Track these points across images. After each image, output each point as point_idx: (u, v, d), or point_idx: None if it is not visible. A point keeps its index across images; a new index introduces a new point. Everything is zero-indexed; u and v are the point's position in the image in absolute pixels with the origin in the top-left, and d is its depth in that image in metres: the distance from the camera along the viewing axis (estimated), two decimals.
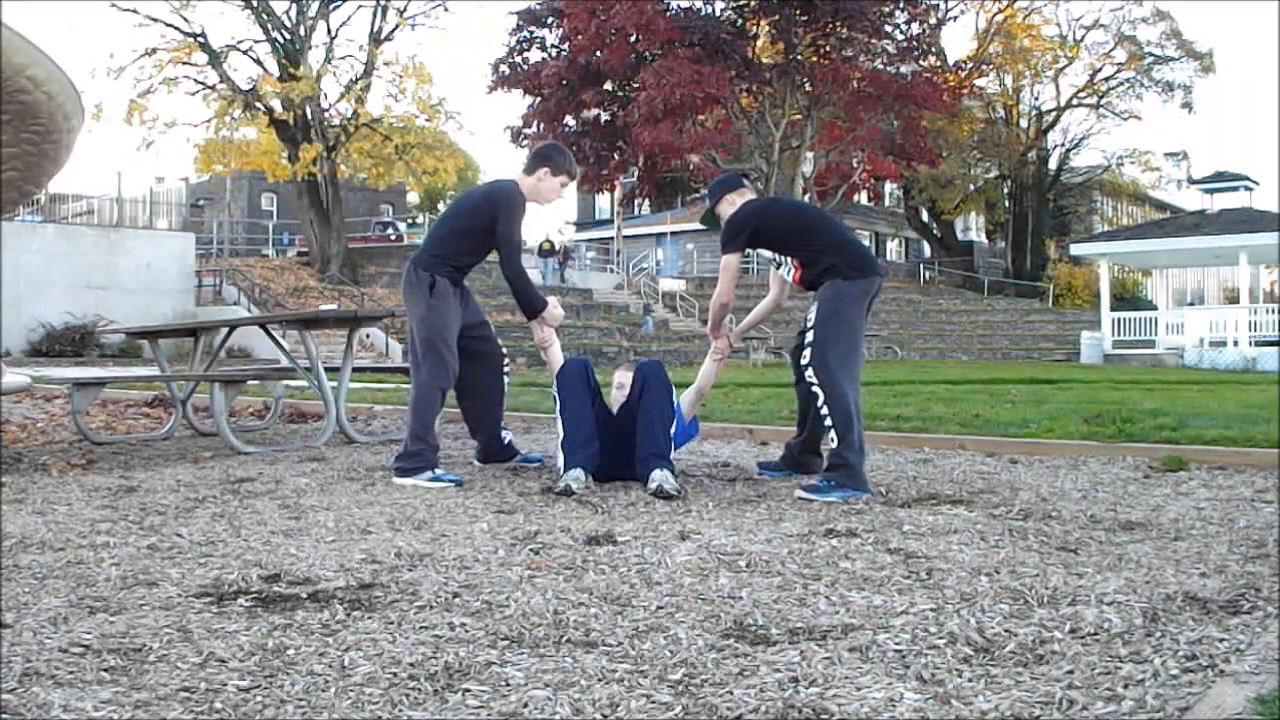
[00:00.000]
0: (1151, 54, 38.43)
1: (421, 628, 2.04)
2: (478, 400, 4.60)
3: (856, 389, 3.93)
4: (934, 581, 2.38)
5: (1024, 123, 41.26)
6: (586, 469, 3.85)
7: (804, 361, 3.90)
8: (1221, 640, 1.90)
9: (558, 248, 35.51)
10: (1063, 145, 42.03)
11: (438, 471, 4.09)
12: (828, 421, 3.77)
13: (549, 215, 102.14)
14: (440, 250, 4.36)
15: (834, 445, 3.74)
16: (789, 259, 4.18)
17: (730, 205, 4.26)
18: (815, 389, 3.82)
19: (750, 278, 39.49)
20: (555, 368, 4.24)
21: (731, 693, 1.66)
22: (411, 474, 4.04)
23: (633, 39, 18.44)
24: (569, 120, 20.31)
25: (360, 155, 28.49)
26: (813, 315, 3.93)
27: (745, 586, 2.34)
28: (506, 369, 4.71)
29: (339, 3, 27.54)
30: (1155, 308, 30.45)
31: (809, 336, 3.90)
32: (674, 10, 19.12)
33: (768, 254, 4.38)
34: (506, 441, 4.68)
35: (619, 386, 4.19)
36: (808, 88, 18.86)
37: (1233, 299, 28.40)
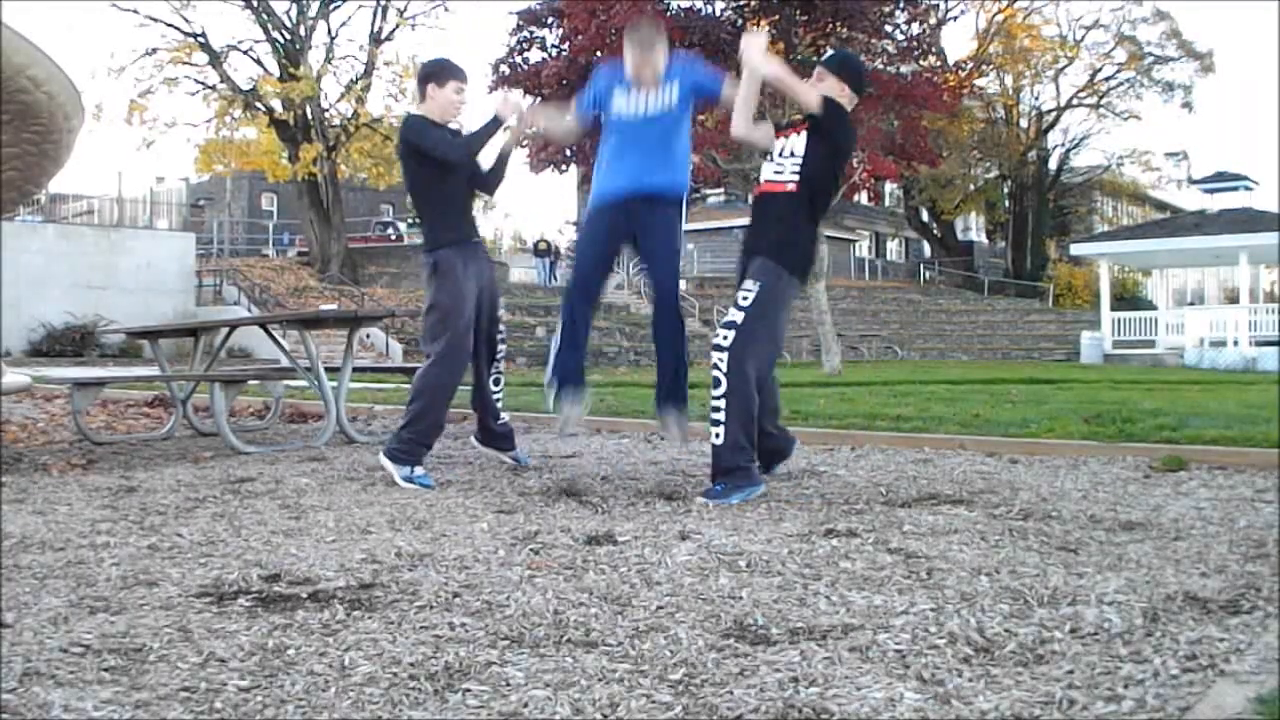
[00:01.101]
0: (1151, 54, 38.41)
1: (421, 628, 2.04)
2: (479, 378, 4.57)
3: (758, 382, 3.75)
4: (934, 581, 2.38)
5: (1024, 123, 41.25)
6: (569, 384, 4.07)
7: (721, 341, 3.66)
8: (1221, 640, 1.90)
9: (553, 247, 35.46)
10: (1063, 145, 42.02)
11: (417, 472, 4.04)
12: (722, 416, 3.60)
13: (549, 215, 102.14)
14: (425, 229, 4.38)
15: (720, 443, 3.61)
16: (795, 165, 3.80)
17: (843, 95, 3.88)
18: (719, 374, 3.62)
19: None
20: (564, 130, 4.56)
21: (731, 693, 1.66)
22: (396, 462, 4.03)
23: None
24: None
25: (360, 155, 28.50)
26: (751, 295, 3.68)
27: (745, 586, 2.34)
28: (502, 338, 4.63)
29: (339, 3, 27.59)
30: (1155, 308, 30.46)
31: (737, 316, 3.67)
32: (674, 10, 19.12)
33: (788, 148, 3.89)
34: (503, 422, 4.63)
35: (647, 57, 3.99)
36: None
37: (1233, 299, 28.39)
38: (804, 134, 3.83)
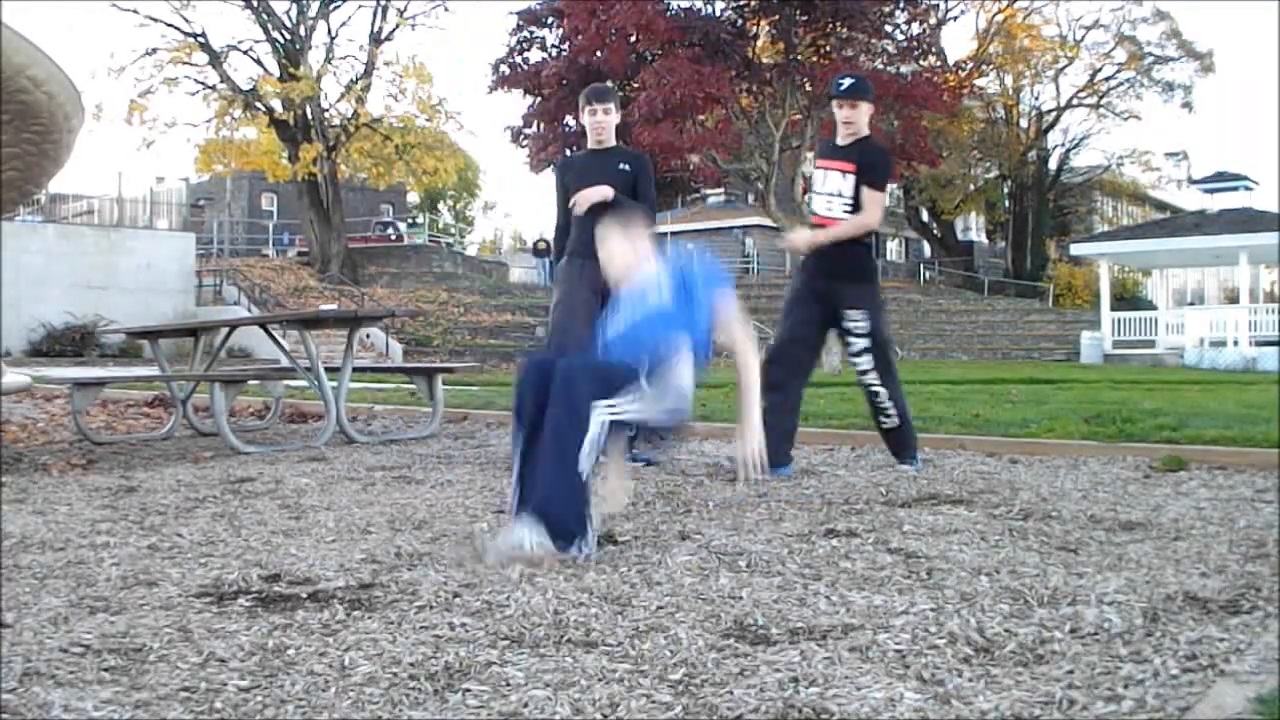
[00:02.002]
0: (1151, 54, 38.41)
1: (421, 628, 2.04)
2: None
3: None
4: (934, 581, 2.38)
5: (1024, 123, 41.24)
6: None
7: (864, 368, 4.29)
8: (1221, 640, 1.90)
9: (551, 245, 35.37)
10: (1063, 145, 42.01)
11: None
12: (894, 412, 4.32)
13: (548, 214, 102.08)
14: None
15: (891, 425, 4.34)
16: (845, 204, 4.30)
17: (870, 114, 4.47)
18: (877, 389, 4.29)
19: (751, 278, 39.51)
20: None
21: (731, 693, 1.66)
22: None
23: (633, 39, 18.44)
24: (569, 120, 20.31)
25: (360, 155, 28.52)
26: (860, 323, 4.25)
27: (745, 586, 2.34)
28: None
29: (339, 3, 27.60)
30: (1155, 308, 30.44)
31: (863, 343, 4.26)
32: (674, 10, 19.11)
33: (839, 185, 4.33)
34: None
35: (603, 246, 3.23)
36: (808, 88, 18.83)
37: (1233, 299, 28.39)
38: (850, 177, 4.29)
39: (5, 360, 16.17)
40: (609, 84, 4.89)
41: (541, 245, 35.49)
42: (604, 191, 4.54)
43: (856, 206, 4.29)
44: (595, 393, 2.68)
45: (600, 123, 4.67)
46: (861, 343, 4.27)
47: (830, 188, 4.34)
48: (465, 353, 21.53)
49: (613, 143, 4.76)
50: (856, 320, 4.26)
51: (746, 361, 3.02)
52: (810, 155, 19.45)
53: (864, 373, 4.31)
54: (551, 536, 2.54)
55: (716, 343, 3.05)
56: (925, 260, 44.49)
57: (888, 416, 4.36)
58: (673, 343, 2.89)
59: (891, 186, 40.87)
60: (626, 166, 4.65)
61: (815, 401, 7.97)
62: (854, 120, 4.34)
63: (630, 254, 3.12)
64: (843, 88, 4.39)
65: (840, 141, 4.41)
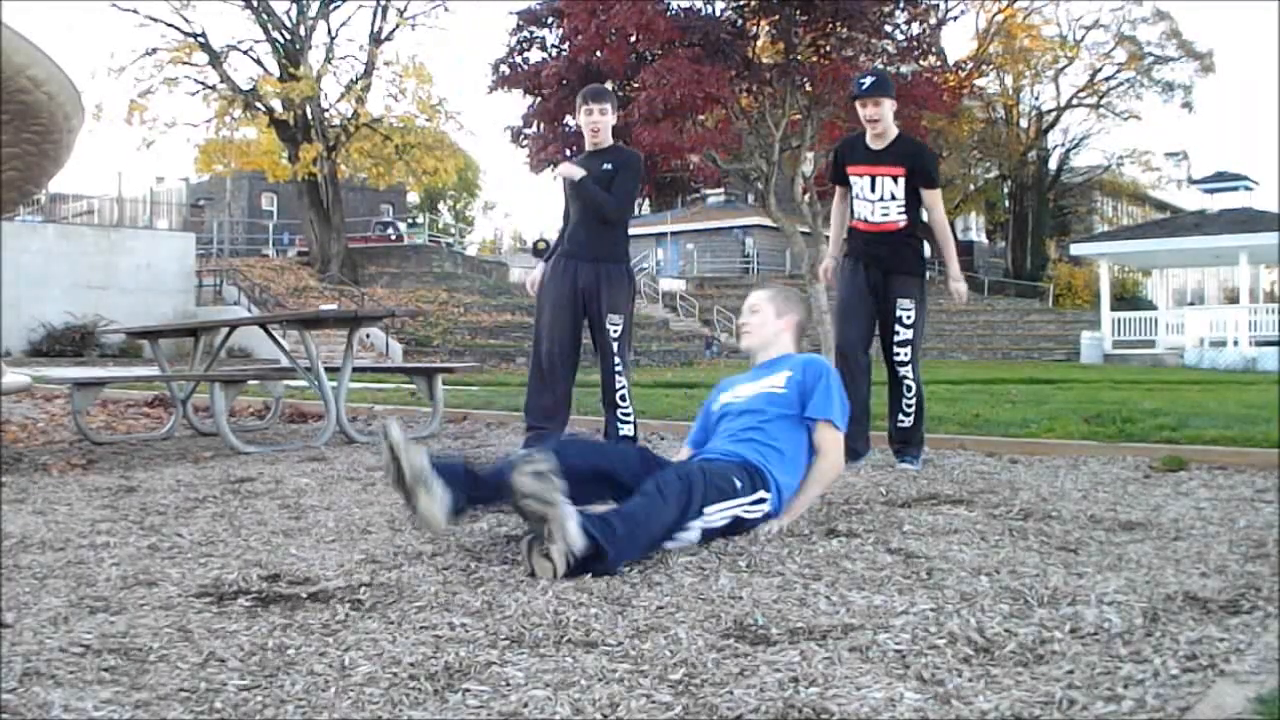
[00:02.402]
0: (1151, 54, 38.44)
1: (421, 628, 2.04)
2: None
3: None
4: (934, 581, 2.38)
5: (1024, 123, 41.27)
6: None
7: (902, 359, 4.45)
8: (1221, 640, 1.90)
9: (551, 246, 35.29)
10: (1063, 145, 42.06)
11: None
12: (914, 408, 4.49)
13: (548, 214, 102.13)
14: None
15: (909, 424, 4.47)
16: (899, 207, 4.41)
17: (893, 111, 4.48)
18: (911, 383, 4.45)
19: (750, 278, 39.50)
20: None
21: (731, 693, 1.66)
22: None
23: (633, 39, 18.41)
24: (569, 120, 20.31)
25: (360, 155, 28.53)
26: (910, 313, 4.43)
27: (745, 586, 2.34)
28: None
29: (339, 3, 27.60)
30: (1155, 308, 30.45)
31: (908, 334, 4.44)
32: (674, 10, 19.08)
33: (892, 189, 4.44)
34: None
35: (752, 311, 3.39)
36: (808, 88, 18.82)
37: (1233, 299, 28.39)
38: (901, 180, 4.39)
39: (5, 360, 16.17)
40: (607, 85, 5.00)
41: (541, 245, 35.37)
42: (576, 170, 4.64)
43: (909, 208, 4.42)
44: (707, 499, 2.76)
45: (596, 123, 4.66)
46: (907, 333, 4.45)
47: (881, 193, 4.42)
48: (465, 353, 21.54)
49: (609, 143, 4.75)
50: (907, 309, 4.43)
51: (825, 472, 3.14)
52: (810, 155, 19.45)
53: (902, 364, 4.46)
54: (585, 564, 2.43)
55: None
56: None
57: (906, 413, 4.48)
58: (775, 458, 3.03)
59: None
60: (609, 165, 4.65)
61: None
62: (879, 118, 4.37)
63: (773, 333, 3.35)
64: (865, 86, 4.43)
65: (872, 144, 4.44)
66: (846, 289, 4.60)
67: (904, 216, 4.43)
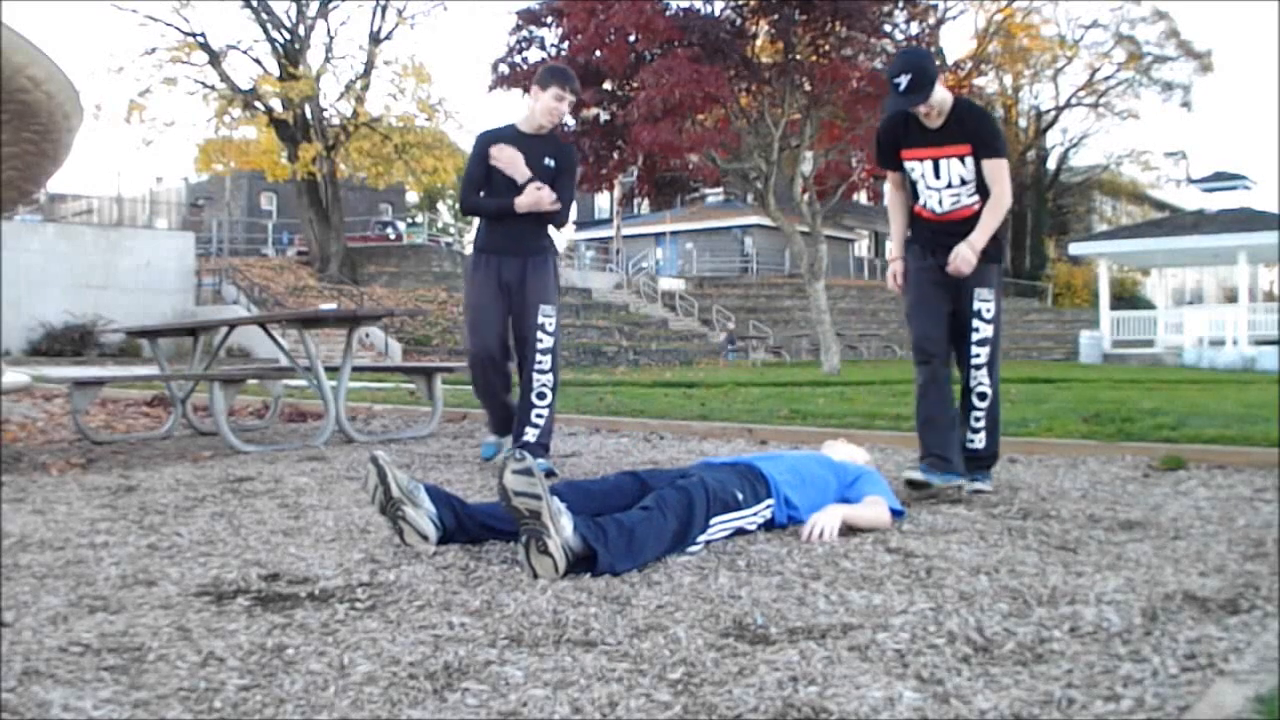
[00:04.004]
0: (1150, 53, 38.47)
1: (421, 627, 2.04)
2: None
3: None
4: (933, 581, 2.38)
5: (1023, 122, 41.30)
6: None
7: (980, 362, 3.72)
8: (1221, 639, 1.90)
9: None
10: (1062, 144, 42.10)
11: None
12: (981, 422, 3.76)
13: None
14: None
15: (980, 446, 3.76)
16: (971, 190, 3.70)
17: (943, 88, 3.69)
18: (986, 390, 3.74)
19: (750, 277, 39.52)
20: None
21: (731, 692, 1.66)
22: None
23: (632, 39, 18.41)
24: (569, 120, 20.32)
25: (360, 155, 28.52)
26: (990, 305, 3.72)
27: (745, 586, 2.34)
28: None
29: (338, 2, 27.61)
30: (1154, 307, 30.47)
31: (989, 331, 3.72)
32: (673, 10, 19.08)
33: (960, 172, 3.70)
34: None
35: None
36: (807, 87, 18.82)
37: (1231, 298, 28.40)
38: (968, 160, 3.69)
39: (5, 360, 16.17)
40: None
41: None
42: (546, 201, 4.35)
43: (980, 187, 3.70)
44: (711, 512, 2.78)
45: (562, 111, 4.41)
46: (987, 330, 3.73)
47: (949, 177, 3.70)
48: (464, 352, 21.50)
49: (548, 130, 4.48)
50: (987, 302, 3.73)
51: (873, 510, 3.10)
52: (809, 155, 19.45)
53: (978, 367, 3.73)
54: (582, 566, 2.45)
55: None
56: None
57: (976, 429, 3.77)
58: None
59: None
60: (552, 163, 4.40)
61: (814, 400, 7.97)
62: (935, 110, 3.67)
63: (845, 455, 3.49)
64: (903, 88, 3.61)
65: (929, 121, 3.71)
66: (917, 279, 3.84)
67: (977, 198, 3.70)
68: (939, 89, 3.62)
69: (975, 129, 3.69)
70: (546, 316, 4.42)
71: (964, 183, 3.70)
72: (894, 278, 3.94)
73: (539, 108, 4.40)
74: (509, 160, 4.34)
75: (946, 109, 3.69)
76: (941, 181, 3.72)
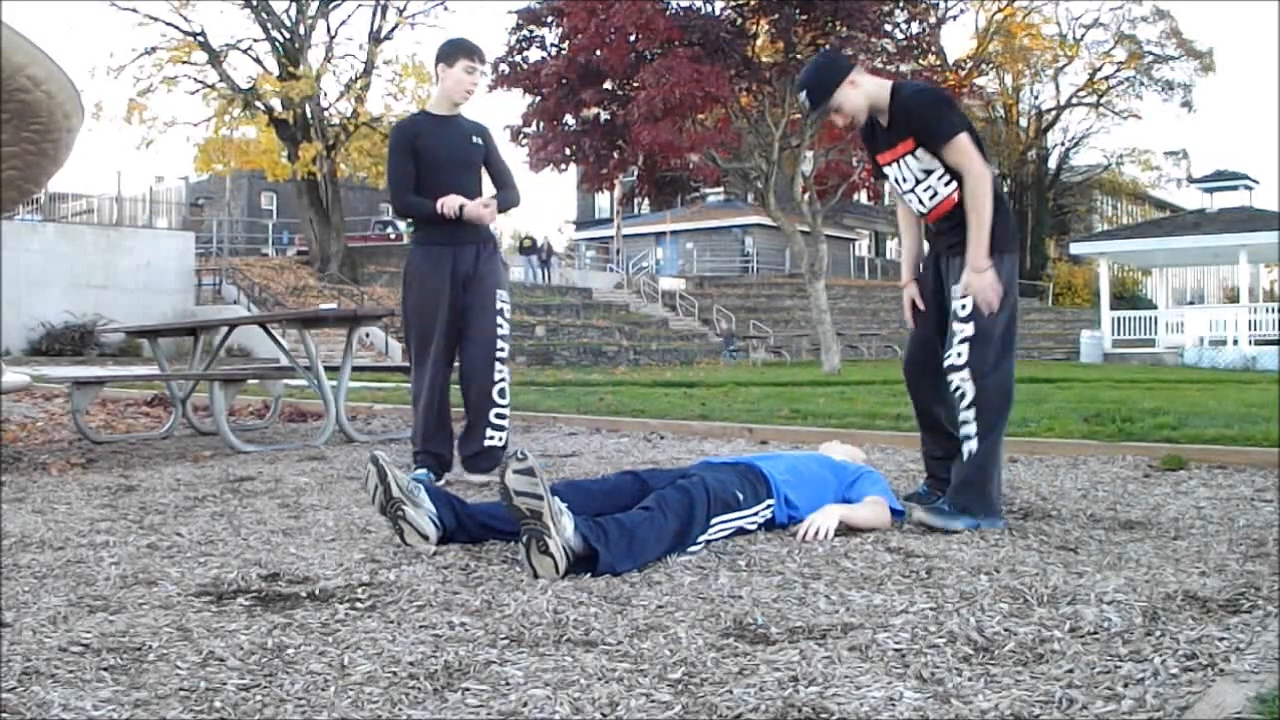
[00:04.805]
0: (1151, 53, 38.47)
1: (421, 627, 2.04)
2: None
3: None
4: (933, 580, 2.38)
5: (1024, 122, 41.31)
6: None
7: (957, 363, 3.17)
8: (1221, 639, 1.90)
9: (539, 244, 35.06)
10: (1062, 144, 42.12)
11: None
12: (972, 429, 3.18)
13: (548, 214, 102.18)
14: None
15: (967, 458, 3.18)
16: (943, 179, 3.28)
17: (861, 89, 3.28)
18: (966, 390, 3.17)
19: (750, 277, 39.51)
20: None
21: (731, 692, 1.66)
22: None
23: (632, 38, 18.42)
24: (569, 119, 20.31)
25: (360, 154, 28.47)
26: (966, 303, 3.17)
27: (745, 585, 2.34)
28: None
29: (338, 2, 27.56)
30: (1155, 307, 30.46)
31: (968, 330, 3.15)
32: (674, 10, 19.09)
33: (917, 167, 3.31)
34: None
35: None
36: None
37: (1232, 298, 28.40)
38: (918, 152, 3.30)
39: (5, 359, 16.17)
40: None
41: (527, 243, 35.30)
42: (488, 216, 4.22)
43: (952, 172, 3.28)
44: (712, 513, 2.78)
45: (475, 85, 4.25)
46: (966, 329, 3.18)
47: (913, 175, 3.34)
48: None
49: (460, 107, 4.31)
50: (963, 299, 3.20)
51: (872, 510, 3.09)
52: (810, 154, 19.45)
53: (956, 368, 3.20)
54: (583, 566, 2.45)
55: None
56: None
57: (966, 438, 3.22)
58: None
59: None
60: (479, 140, 4.29)
61: (815, 400, 7.97)
62: (846, 112, 3.33)
63: (843, 456, 3.48)
64: (803, 100, 3.41)
65: (882, 120, 3.36)
66: (924, 297, 3.51)
67: (954, 185, 3.28)
68: (847, 92, 3.27)
69: (909, 120, 3.29)
70: (504, 302, 4.26)
71: (928, 174, 3.32)
72: (909, 306, 3.55)
73: (450, 85, 4.21)
74: (459, 207, 4.13)
75: (884, 104, 3.30)
76: (908, 182, 3.38)
